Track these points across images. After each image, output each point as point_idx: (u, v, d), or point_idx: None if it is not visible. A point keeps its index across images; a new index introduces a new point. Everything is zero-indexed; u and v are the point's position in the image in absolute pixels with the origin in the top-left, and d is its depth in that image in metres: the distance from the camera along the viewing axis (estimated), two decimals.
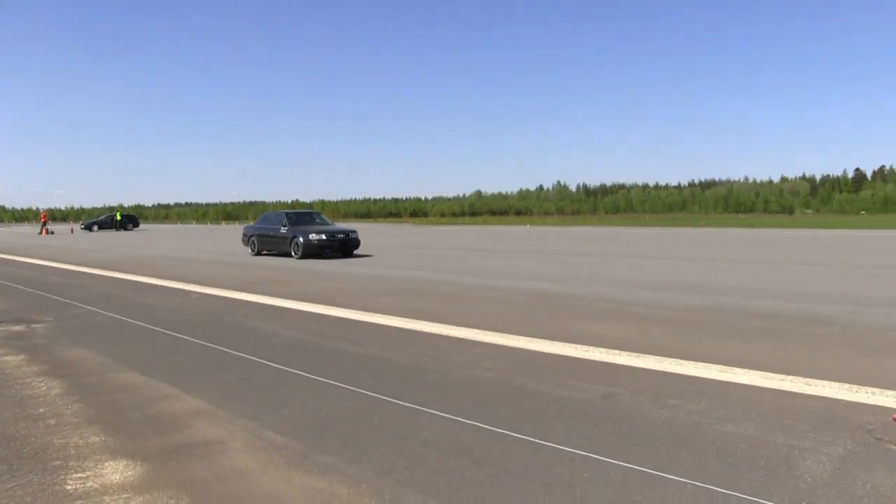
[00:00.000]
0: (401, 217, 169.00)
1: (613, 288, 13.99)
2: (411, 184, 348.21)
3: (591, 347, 7.78)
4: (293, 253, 23.16)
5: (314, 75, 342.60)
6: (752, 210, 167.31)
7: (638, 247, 30.87)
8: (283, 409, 5.59)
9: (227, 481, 4.11)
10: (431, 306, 11.48)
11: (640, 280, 15.56)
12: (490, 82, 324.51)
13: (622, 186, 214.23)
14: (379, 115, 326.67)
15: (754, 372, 6.53)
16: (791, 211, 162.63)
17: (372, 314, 10.50)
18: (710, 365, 6.84)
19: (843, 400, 5.60)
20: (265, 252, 25.19)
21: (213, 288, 14.48)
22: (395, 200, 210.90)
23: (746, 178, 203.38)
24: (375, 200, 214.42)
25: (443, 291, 13.64)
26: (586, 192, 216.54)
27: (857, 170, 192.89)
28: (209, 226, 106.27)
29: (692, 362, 6.97)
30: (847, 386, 5.97)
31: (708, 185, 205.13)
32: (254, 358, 7.51)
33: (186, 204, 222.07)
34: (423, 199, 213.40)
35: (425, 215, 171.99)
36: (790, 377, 6.31)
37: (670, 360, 7.11)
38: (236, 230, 73.09)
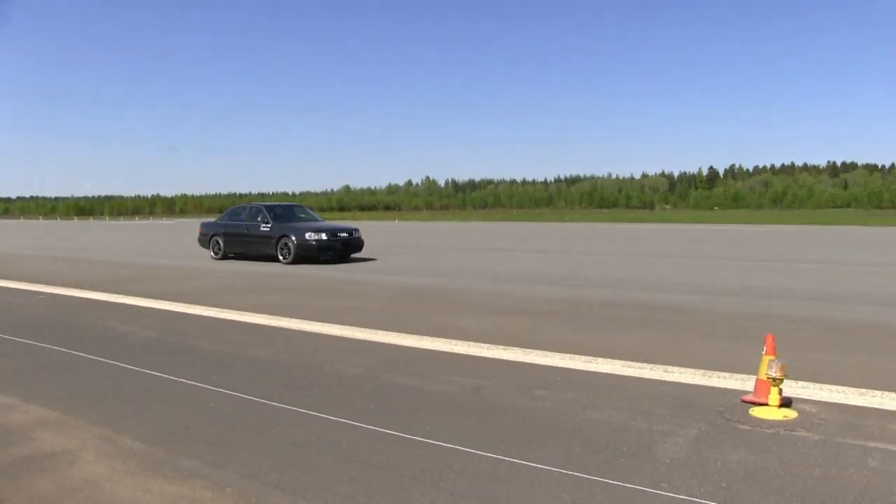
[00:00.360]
0: None
1: (482, 281, 14.25)
2: (278, 178, 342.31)
3: (459, 342, 7.89)
4: (281, 256, 19.04)
5: (179, 63, 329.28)
6: (614, 205, 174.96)
7: (507, 241, 31.61)
8: (141, 414, 5.33)
9: (77, 493, 3.88)
10: (300, 301, 11.32)
11: (509, 273, 15.94)
12: (359, 76, 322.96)
13: (490, 182, 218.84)
14: (245, 108, 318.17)
15: (617, 361, 6.81)
16: (651, 206, 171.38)
17: (238, 312, 10.22)
18: (575, 356, 7.08)
19: (697, 385, 5.95)
20: (233, 255, 20.78)
21: (63, 287, 13.66)
22: (262, 195, 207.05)
23: (610, 175, 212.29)
24: (241, 195, 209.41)
25: (312, 286, 13.47)
26: (455, 187, 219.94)
27: (711, 168, 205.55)
28: (59, 221, 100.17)
29: (558, 353, 7.20)
30: (702, 371, 6.34)
31: (573, 180, 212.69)
32: (109, 361, 7.12)
33: (32, 198, 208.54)
34: (290, 193, 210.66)
35: None
36: (650, 365, 6.63)
37: (537, 351, 7.31)
38: (90, 226, 69.45)
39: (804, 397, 5.49)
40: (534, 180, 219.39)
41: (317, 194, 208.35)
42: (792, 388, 5.59)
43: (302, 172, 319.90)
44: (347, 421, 5.05)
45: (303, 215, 21.21)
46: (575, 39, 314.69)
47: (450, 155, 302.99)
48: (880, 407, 5.27)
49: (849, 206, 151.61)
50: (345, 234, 19.58)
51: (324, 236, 18.87)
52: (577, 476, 3.96)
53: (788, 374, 5.18)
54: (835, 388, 5.77)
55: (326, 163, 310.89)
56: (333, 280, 14.90)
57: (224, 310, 10.46)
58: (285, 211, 20.90)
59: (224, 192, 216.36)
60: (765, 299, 11.30)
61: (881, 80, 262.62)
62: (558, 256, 21.94)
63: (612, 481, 3.88)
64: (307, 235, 18.72)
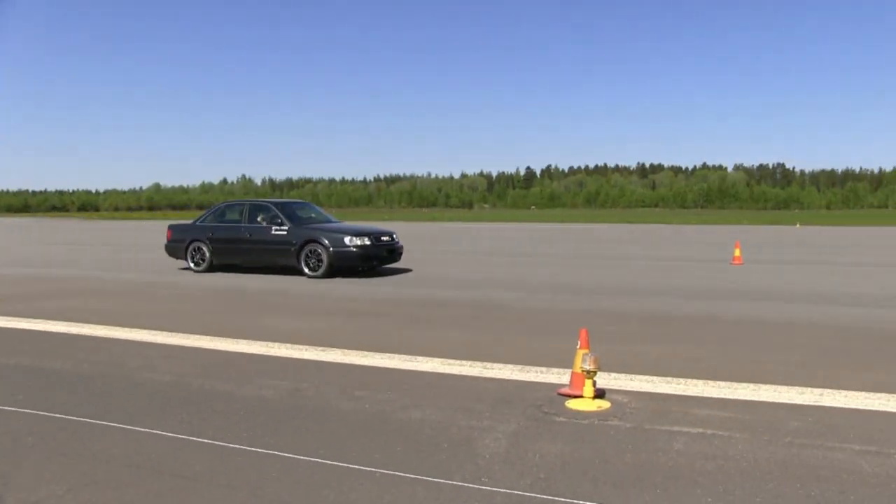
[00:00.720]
0: (68, 211, 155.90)
1: (300, 282, 14.08)
2: (79, 175, 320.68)
3: (277, 344, 7.76)
4: (306, 268, 15.01)
5: None
6: (434, 204, 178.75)
7: None
8: None
9: None
10: (106, 307, 10.66)
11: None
12: (171, 69, 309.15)
13: (309, 181, 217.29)
14: (40, 101, 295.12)
15: (437, 359, 6.96)
16: (470, 205, 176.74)
17: (30, 320, 9.45)
18: (395, 355, 7.16)
19: (516, 380, 6.19)
20: (217, 265, 16.40)
21: None
22: (60, 193, 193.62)
23: (429, 174, 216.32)
24: (35, 192, 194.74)
25: (123, 290, 12.74)
26: (272, 185, 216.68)
27: (528, 168, 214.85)
28: None
29: (378, 353, 7.25)
30: (520, 367, 6.61)
31: (393, 179, 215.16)
32: None
33: None
34: (93, 191, 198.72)
35: (96, 209, 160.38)
36: (469, 362, 6.82)
37: (357, 352, 7.33)
38: None
39: (616, 388, 5.86)
40: (353, 179, 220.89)
41: (123, 192, 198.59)
42: (605, 380, 5.95)
43: (106, 169, 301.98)
44: (157, 431, 4.81)
45: (313, 214, 17.31)
46: (395, 37, 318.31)
47: (267, 153, 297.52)
48: (684, 394, 5.74)
49: (656, 205, 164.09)
50: (387, 239, 15.88)
51: (367, 241, 15.07)
52: (398, 476, 4.00)
53: (602, 366, 5.51)
54: (644, 377, 6.21)
55: (134, 159, 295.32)
56: (144, 283, 14.18)
57: (12, 318, 9.65)
58: (297, 209, 17.01)
59: (13, 188, 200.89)
60: (579, 294, 11.96)
61: (687, 85, 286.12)
62: None
63: (433, 479, 3.95)
64: (346, 240, 14.88)
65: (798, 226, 55.46)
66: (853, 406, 5.41)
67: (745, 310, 10.38)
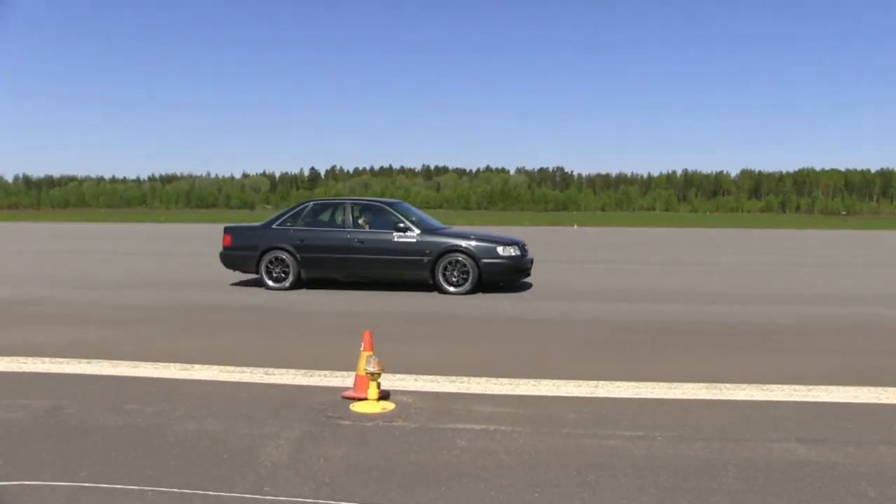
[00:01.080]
0: None
1: (61, 289, 13.14)
2: None
3: (31, 358, 7.14)
4: (445, 283, 12.56)
5: None
6: (214, 205, 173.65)
7: (86, 243, 29.48)
8: None
9: None
10: None
11: (94, 279, 14.91)
12: None
13: (73, 179, 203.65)
14: None
15: (215, 367, 6.75)
16: (252, 206, 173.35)
17: None
18: (169, 364, 6.87)
19: (299, 385, 6.15)
20: (307, 280, 13.37)
21: None
22: None
23: (209, 174, 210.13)
24: None
25: None
26: (27, 183, 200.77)
27: (313, 169, 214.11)
28: None
29: (150, 363, 6.91)
30: (303, 371, 6.57)
31: (169, 179, 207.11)
32: None
33: None
34: None
35: None
36: (250, 368, 6.68)
37: (127, 362, 6.94)
38: None
39: (401, 389, 5.97)
40: (125, 178, 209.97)
41: None
42: (390, 381, 6.04)
43: None
44: None
45: (413, 218, 13.75)
46: (173, 32, 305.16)
47: (21, 148, 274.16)
48: (467, 391, 5.97)
49: (441, 206, 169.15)
50: (528, 248, 13.65)
51: (517, 251, 12.89)
52: (173, 492, 3.83)
53: (386, 367, 5.60)
54: (428, 377, 6.39)
55: None
56: None
57: None
58: (406, 212, 13.87)
59: None
60: (362, 297, 12.06)
61: (470, 90, 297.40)
62: (149, 259, 21.06)
63: (211, 492, 3.83)
64: (500, 250, 12.71)
65: (576, 226, 59.40)
66: (625, 395, 5.89)
67: (526, 308, 10.95)
